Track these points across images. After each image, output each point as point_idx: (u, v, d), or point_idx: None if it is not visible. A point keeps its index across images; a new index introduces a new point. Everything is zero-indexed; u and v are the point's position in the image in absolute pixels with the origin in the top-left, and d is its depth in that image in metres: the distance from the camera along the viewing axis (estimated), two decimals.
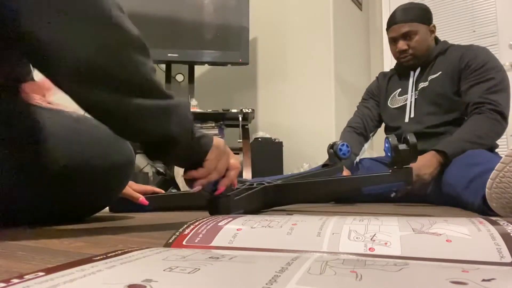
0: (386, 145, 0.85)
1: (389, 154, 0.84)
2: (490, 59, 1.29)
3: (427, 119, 1.35)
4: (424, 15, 1.36)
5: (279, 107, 2.50)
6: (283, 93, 2.50)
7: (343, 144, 1.21)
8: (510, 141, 2.22)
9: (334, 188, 0.94)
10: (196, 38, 2.26)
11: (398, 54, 1.40)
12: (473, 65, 1.29)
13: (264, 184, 0.88)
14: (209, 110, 2.15)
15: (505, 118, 1.24)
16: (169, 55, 2.20)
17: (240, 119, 2.11)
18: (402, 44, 1.36)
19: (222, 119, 2.18)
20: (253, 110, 2.17)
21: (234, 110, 2.12)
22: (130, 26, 0.50)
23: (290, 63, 2.50)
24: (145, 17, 2.19)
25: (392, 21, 1.38)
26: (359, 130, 1.53)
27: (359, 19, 2.79)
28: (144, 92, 0.51)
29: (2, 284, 0.19)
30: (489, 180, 0.67)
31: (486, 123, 1.22)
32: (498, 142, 1.32)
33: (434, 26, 1.38)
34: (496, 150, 1.31)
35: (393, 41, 1.39)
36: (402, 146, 0.81)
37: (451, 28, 2.55)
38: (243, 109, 2.11)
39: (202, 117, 2.18)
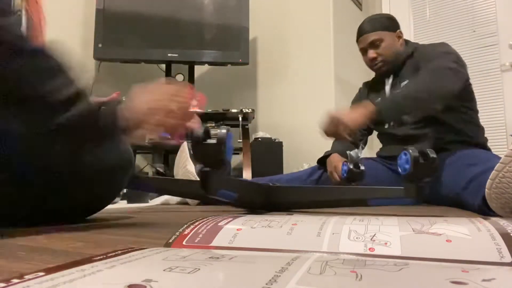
0: (403, 156, 0.77)
1: (406, 167, 0.77)
2: (445, 46, 1.30)
3: (406, 123, 1.36)
4: (388, 23, 1.41)
5: (279, 107, 2.50)
6: (283, 93, 2.50)
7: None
8: (510, 141, 2.22)
9: (338, 197, 0.90)
10: (196, 38, 2.26)
11: (370, 63, 1.43)
12: (427, 52, 1.32)
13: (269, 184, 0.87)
14: (209, 110, 2.15)
15: (457, 71, 1.18)
16: (169, 55, 2.20)
17: (240, 119, 2.11)
18: (371, 53, 1.40)
19: (222, 119, 2.18)
20: (253, 110, 2.17)
21: (234, 110, 2.12)
22: None
23: (290, 63, 2.50)
24: (145, 17, 2.19)
25: (360, 33, 1.44)
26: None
27: (359, 19, 2.77)
28: None
29: (2, 284, 0.19)
30: (488, 180, 0.67)
31: (428, 76, 1.20)
32: (497, 142, 1.31)
33: (400, 32, 1.43)
34: (496, 150, 1.31)
35: (363, 51, 1.44)
36: (421, 160, 0.74)
37: (451, 28, 2.55)
38: (243, 109, 2.11)
39: (202, 117, 2.17)
